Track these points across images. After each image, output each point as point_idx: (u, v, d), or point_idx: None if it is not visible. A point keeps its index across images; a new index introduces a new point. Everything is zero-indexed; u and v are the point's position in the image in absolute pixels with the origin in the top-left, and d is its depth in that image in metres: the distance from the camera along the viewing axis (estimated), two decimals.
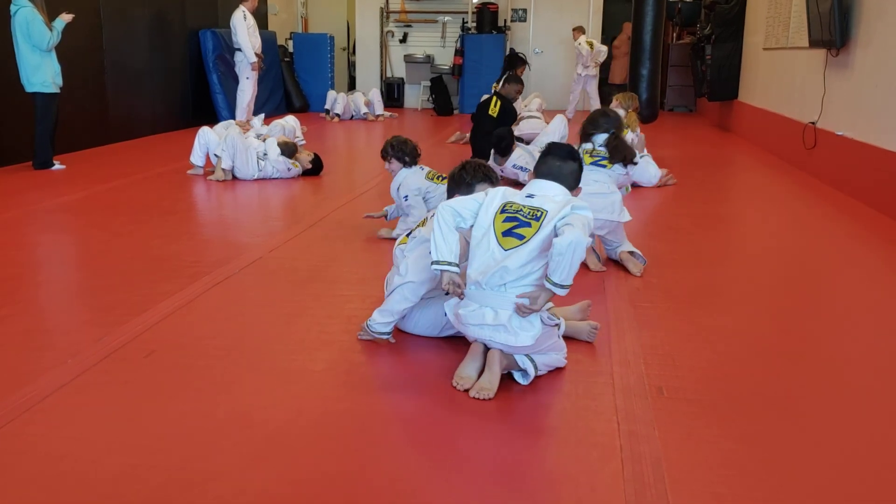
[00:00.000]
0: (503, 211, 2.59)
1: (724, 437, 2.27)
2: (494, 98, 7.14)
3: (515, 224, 2.55)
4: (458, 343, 2.93)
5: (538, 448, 2.22)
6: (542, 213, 2.54)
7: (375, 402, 2.53)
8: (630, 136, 6.28)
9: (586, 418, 2.39)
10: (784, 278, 4.08)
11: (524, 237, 2.53)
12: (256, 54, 9.10)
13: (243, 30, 8.93)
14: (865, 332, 3.24)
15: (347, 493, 1.97)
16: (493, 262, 2.55)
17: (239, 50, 9.10)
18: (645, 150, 6.52)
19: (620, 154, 4.08)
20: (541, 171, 2.72)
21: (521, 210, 2.58)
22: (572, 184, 2.71)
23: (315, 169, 6.70)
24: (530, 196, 2.62)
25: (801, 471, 2.11)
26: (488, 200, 2.63)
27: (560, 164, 2.70)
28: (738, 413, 2.43)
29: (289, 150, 6.56)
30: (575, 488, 2.00)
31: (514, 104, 7.20)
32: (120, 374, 2.65)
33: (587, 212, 2.53)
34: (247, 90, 9.19)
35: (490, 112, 7.03)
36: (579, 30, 12.63)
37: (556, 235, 2.45)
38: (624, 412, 2.41)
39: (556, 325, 2.67)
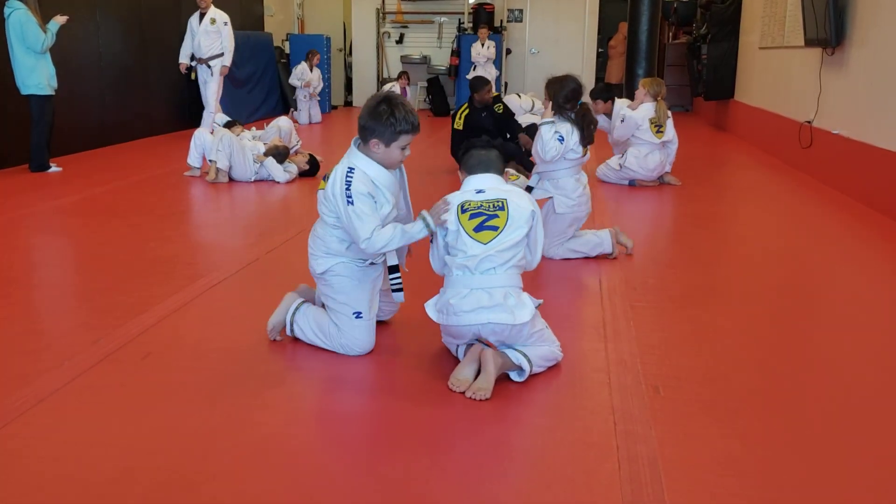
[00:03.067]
0: (464, 210, 2.68)
1: (720, 436, 2.28)
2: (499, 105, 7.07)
3: (484, 218, 2.66)
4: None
5: (534, 448, 2.22)
6: (502, 202, 2.68)
7: (372, 403, 2.53)
8: (671, 131, 6.27)
9: (583, 418, 2.40)
10: (780, 277, 4.08)
11: (498, 227, 2.65)
12: (180, 62, 8.86)
13: (186, 36, 8.81)
14: (863, 331, 3.24)
15: (344, 493, 1.97)
16: (476, 255, 2.62)
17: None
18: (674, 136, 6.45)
19: (589, 131, 4.07)
20: (470, 164, 2.84)
21: (482, 205, 2.68)
22: (500, 167, 2.87)
23: (311, 170, 6.70)
24: (480, 191, 2.73)
25: (799, 470, 2.12)
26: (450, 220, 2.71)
27: (485, 153, 2.85)
28: (735, 412, 2.44)
29: (280, 153, 6.55)
30: (572, 488, 2.00)
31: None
32: (116, 376, 2.64)
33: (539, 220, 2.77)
34: (210, 91, 9.03)
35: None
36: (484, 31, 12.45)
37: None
38: (620, 412, 2.41)
39: (539, 304, 2.72)
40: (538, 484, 2.02)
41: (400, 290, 2.86)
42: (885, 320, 3.39)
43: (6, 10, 6.35)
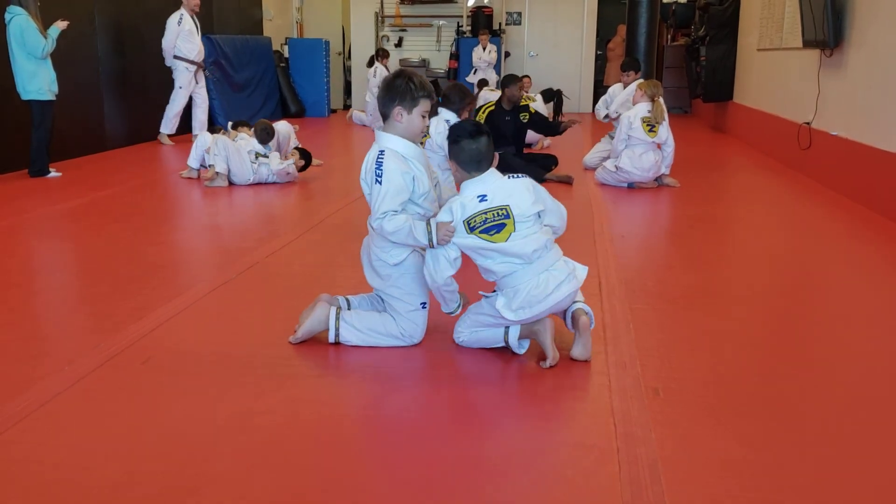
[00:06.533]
0: (472, 228, 2.75)
1: (721, 438, 2.28)
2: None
3: (493, 227, 2.74)
4: (453, 351, 2.94)
5: (534, 450, 2.22)
6: (505, 209, 2.74)
7: (372, 405, 2.53)
8: (664, 133, 6.28)
9: (583, 420, 2.40)
10: (780, 279, 4.09)
11: (508, 228, 2.73)
12: (191, 61, 8.87)
13: (171, 33, 8.68)
14: (863, 333, 3.25)
15: (345, 496, 1.97)
16: (520, 254, 2.74)
17: (177, 58, 8.83)
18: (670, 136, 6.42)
19: None
20: (462, 160, 2.81)
21: (487, 217, 2.74)
22: (492, 155, 2.86)
23: (305, 162, 6.86)
24: (482, 198, 2.76)
25: (799, 472, 2.12)
26: (457, 236, 2.77)
27: (475, 144, 2.79)
28: (736, 414, 2.44)
29: (266, 130, 6.62)
30: (572, 490, 2.01)
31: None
32: (117, 380, 2.65)
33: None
34: (177, 100, 8.96)
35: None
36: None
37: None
38: (620, 414, 2.41)
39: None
40: (538, 486, 2.02)
41: None
42: (884, 322, 3.39)
43: (7, 16, 6.36)
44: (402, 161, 2.78)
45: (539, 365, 2.75)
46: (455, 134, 2.84)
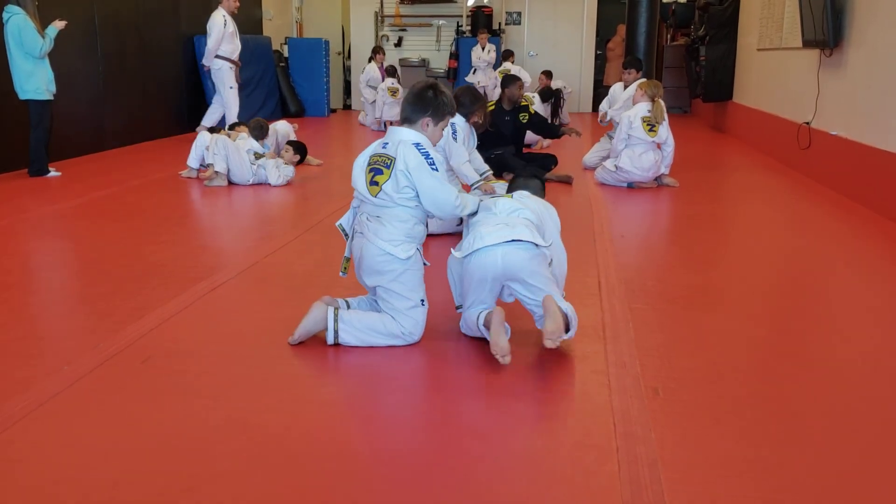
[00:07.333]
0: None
1: (720, 437, 2.28)
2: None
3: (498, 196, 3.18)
4: (452, 350, 2.93)
5: (534, 449, 2.22)
6: (522, 202, 3.10)
7: (371, 406, 2.53)
8: (664, 133, 6.29)
9: (583, 419, 2.40)
10: (779, 278, 4.09)
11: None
12: (233, 62, 8.86)
13: (217, 34, 8.61)
14: (862, 332, 3.25)
15: (345, 496, 1.97)
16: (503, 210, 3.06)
17: (218, 57, 8.77)
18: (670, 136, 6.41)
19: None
20: (511, 187, 3.39)
21: (501, 196, 3.17)
22: (537, 193, 3.31)
23: (301, 156, 6.94)
24: (510, 194, 3.24)
25: (799, 471, 2.12)
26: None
27: (527, 180, 3.40)
28: (735, 414, 2.44)
29: (261, 127, 6.70)
30: (572, 490, 2.00)
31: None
32: (116, 380, 2.65)
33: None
34: (233, 100, 8.88)
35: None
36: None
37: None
38: (620, 413, 2.41)
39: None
40: (538, 485, 2.02)
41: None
42: (883, 321, 3.39)
43: (4, 15, 6.36)
44: (437, 154, 2.95)
45: (534, 363, 2.75)
46: (516, 176, 3.50)
